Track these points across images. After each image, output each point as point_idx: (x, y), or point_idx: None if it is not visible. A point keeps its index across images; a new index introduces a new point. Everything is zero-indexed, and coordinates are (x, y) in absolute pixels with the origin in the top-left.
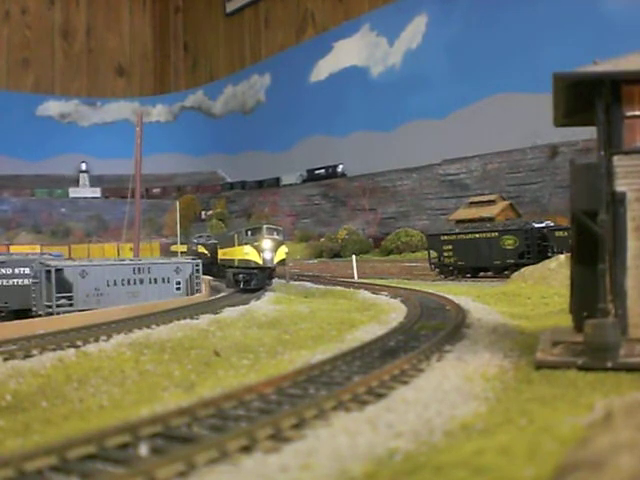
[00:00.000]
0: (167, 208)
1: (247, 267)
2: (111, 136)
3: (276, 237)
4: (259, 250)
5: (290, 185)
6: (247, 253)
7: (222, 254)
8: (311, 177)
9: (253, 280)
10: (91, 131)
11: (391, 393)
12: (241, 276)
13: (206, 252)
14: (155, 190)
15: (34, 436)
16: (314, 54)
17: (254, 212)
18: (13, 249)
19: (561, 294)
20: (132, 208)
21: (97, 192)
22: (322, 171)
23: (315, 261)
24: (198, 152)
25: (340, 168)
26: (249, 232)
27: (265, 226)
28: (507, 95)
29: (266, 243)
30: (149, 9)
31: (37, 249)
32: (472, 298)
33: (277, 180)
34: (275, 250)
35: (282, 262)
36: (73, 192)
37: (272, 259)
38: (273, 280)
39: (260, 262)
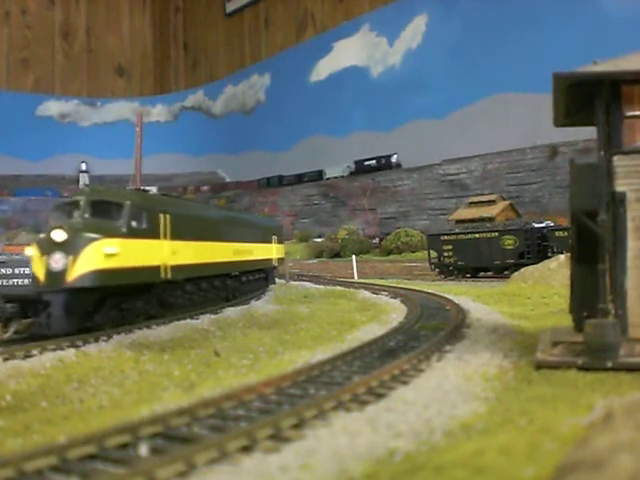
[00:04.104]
0: None
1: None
2: (111, 136)
3: (112, 223)
4: (43, 251)
5: (335, 178)
6: (31, 258)
7: None
8: (360, 169)
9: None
10: (91, 131)
11: (391, 393)
12: (9, 307)
13: None
14: (204, 188)
15: (34, 436)
16: (314, 54)
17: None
18: None
19: (561, 294)
20: None
21: (154, 190)
22: (373, 162)
23: (315, 261)
24: (198, 152)
25: (394, 158)
26: (66, 212)
27: (89, 199)
28: (507, 95)
29: (58, 235)
30: (149, 9)
31: None
32: (472, 298)
33: (320, 173)
34: (76, 250)
35: (108, 277)
36: None
37: (65, 270)
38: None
39: (42, 278)
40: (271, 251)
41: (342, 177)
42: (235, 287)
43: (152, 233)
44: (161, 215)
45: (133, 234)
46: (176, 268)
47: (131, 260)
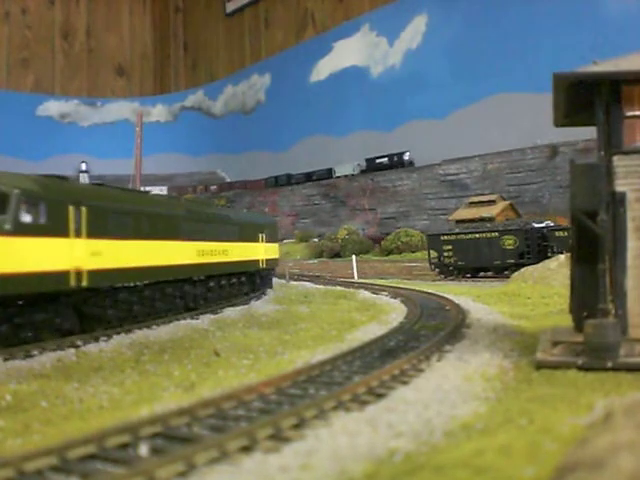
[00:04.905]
0: None
1: None
2: (111, 136)
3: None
4: None
5: (345, 176)
6: None
7: None
8: (371, 167)
9: None
10: (91, 131)
11: (391, 393)
12: None
13: None
14: (213, 188)
15: (34, 436)
16: (314, 54)
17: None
18: None
19: (561, 294)
20: None
21: (164, 190)
22: (385, 159)
23: (315, 261)
24: (198, 152)
25: (407, 156)
26: None
27: (20, 192)
28: (507, 95)
29: None
30: (149, 9)
31: None
32: (472, 298)
33: (329, 171)
34: None
35: None
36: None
37: None
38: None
39: None
40: (257, 251)
41: (352, 175)
42: (199, 294)
43: (56, 230)
44: (71, 208)
45: (23, 231)
46: (99, 273)
47: (19, 264)
